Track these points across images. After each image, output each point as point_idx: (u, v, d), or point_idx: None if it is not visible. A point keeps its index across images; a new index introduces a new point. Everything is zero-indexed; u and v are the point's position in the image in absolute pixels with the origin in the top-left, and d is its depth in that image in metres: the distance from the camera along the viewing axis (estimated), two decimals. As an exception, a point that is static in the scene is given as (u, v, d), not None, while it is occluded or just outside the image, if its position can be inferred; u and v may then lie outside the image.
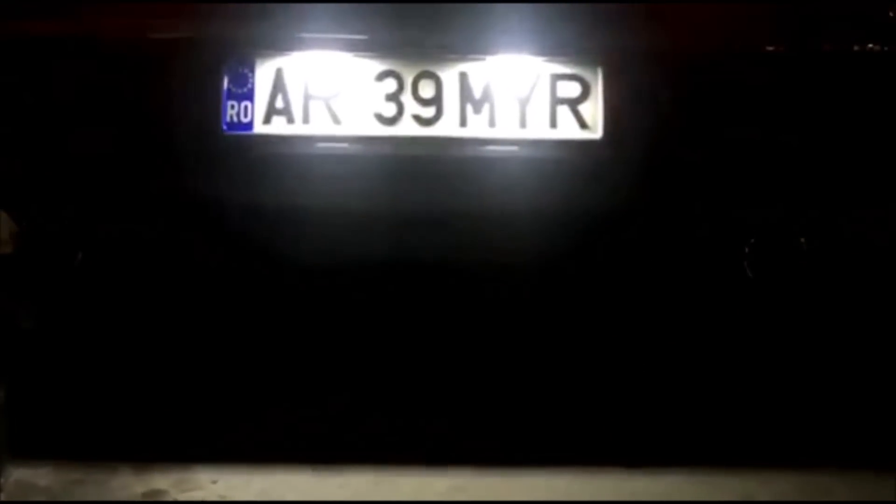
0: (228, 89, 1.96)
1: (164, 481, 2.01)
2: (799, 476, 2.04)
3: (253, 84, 1.96)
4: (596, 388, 2.39)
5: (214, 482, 2.01)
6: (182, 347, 2.48)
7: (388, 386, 2.36)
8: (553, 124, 1.98)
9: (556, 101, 1.97)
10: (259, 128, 1.96)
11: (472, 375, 2.42)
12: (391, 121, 1.97)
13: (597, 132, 1.97)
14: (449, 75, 1.96)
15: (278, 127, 1.97)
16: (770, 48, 1.98)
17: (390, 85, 1.96)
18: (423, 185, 1.99)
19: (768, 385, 2.38)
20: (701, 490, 2.00)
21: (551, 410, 2.30)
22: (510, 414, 2.28)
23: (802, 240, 2.15)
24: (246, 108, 1.97)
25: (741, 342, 2.48)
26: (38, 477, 2.01)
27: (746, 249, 2.14)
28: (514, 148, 1.98)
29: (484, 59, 1.96)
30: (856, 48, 1.98)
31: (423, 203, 2.01)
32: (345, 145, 1.97)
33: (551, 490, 2.00)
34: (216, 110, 1.95)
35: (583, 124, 1.98)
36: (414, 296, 2.51)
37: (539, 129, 1.97)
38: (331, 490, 1.99)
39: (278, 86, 1.96)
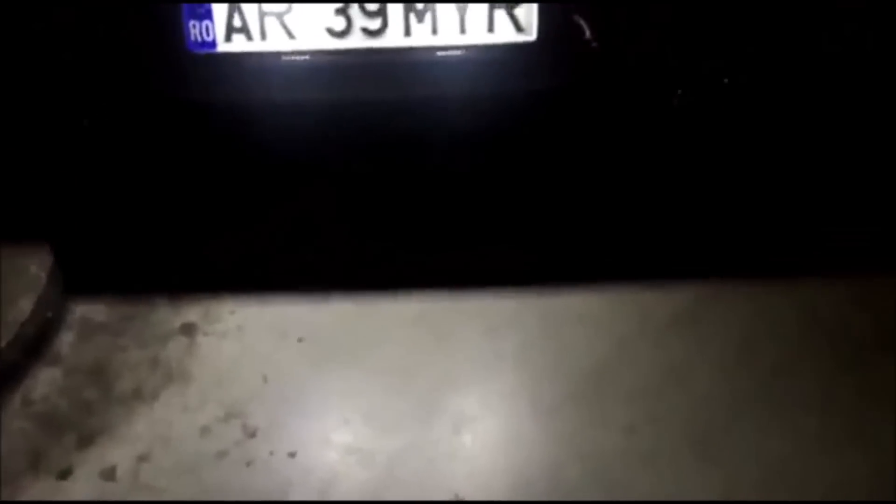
0: (190, 9, 2.12)
1: (194, 314, 2.51)
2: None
3: (209, 5, 2.11)
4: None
5: (232, 313, 2.52)
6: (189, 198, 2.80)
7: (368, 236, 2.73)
8: (490, 29, 2.13)
9: (493, 7, 2.11)
10: (222, 46, 2.15)
11: (434, 220, 2.75)
12: (342, 34, 2.14)
13: (531, 34, 2.13)
14: (393, -13, 2.08)
15: (239, 44, 2.15)
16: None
17: (338, -1, 2.09)
18: (374, 88, 2.22)
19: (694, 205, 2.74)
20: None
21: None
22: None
23: (726, 80, 2.36)
24: (207, 27, 2.14)
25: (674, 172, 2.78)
26: (96, 313, 2.53)
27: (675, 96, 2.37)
28: (457, 53, 2.16)
29: (424, -30, 2.06)
30: None
31: (376, 98, 2.25)
32: (301, 58, 2.17)
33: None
34: (179, 31, 2.13)
35: (518, 27, 2.13)
36: (379, 164, 2.81)
37: (478, 35, 2.14)
38: (321, 317, 2.49)
39: (234, 5, 2.11)
